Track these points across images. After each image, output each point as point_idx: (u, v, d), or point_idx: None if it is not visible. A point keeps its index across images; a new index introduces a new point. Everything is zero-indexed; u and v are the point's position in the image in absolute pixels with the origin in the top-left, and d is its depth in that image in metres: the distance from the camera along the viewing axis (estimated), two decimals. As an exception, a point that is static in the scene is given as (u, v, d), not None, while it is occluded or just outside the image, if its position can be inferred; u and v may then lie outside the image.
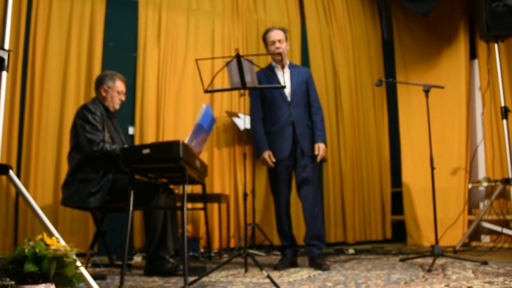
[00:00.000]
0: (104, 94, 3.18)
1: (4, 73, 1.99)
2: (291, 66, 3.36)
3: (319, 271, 2.90)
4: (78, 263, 1.51)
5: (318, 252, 3.13)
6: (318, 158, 3.21)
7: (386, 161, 5.15)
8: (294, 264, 3.21)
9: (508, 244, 4.06)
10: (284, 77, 3.27)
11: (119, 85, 3.21)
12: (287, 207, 3.23)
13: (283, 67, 3.30)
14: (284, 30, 3.32)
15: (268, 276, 2.32)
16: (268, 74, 3.18)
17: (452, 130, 4.72)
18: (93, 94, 3.30)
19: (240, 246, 4.06)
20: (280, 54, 3.19)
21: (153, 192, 2.94)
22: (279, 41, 3.25)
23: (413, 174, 4.87)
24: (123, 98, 3.25)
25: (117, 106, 3.24)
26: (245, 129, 3.03)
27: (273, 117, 3.22)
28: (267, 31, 3.32)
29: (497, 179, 4.28)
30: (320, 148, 3.21)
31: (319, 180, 4.41)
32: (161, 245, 2.89)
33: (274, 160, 3.17)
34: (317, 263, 3.05)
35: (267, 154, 3.16)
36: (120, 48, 4.26)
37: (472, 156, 4.70)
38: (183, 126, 4.25)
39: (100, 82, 3.20)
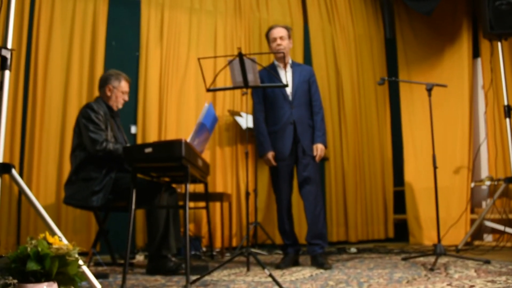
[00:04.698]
0: (108, 93, 3.18)
1: (7, 72, 1.99)
2: (294, 65, 3.35)
3: (321, 270, 2.90)
4: (80, 262, 1.51)
5: (320, 251, 3.13)
6: (317, 159, 3.20)
7: (389, 160, 5.14)
8: (296, 263, 3.21)
9: (510, 243, 4.05)
10: (286, 76, 3.26)
11: (124, 86, 3.21)
12: (288, 206, 3.23)
13: (285, 66, 3.29)
14: (287, 28, 3.31)
15: (270, 275, 2.32)
16: (270, 72, 3.18)
17: (455, 128, 4.70)
18: (96, 93, 3.31)
19: (242, 245, 4.07)
20: (282, 52, 3.18)
21: (155, 191, 2.94)
22: (281, 38, 3.24)
23: (416, 173, 4.86)
24: (126, 98, 3.26)
25: (120, 106, 3.25)
26: (247, 128, 3.03)
27: (274, 117, 3.22)
28: (269, 29, 3.32)
29: (500, 178, 4.27)
30: (318, 149, 3.20)
31: (321, 179, 4.40)
32: (164, 244, 2.89)
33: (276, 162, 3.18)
34: (319, 262, 3.05)
35: (271, 155, 3.18)
36: (123, 47, 4.26)
37: (474, 155, 4.69)
38: (185, 125, 4.25)
39: (105, 81, 3.20)
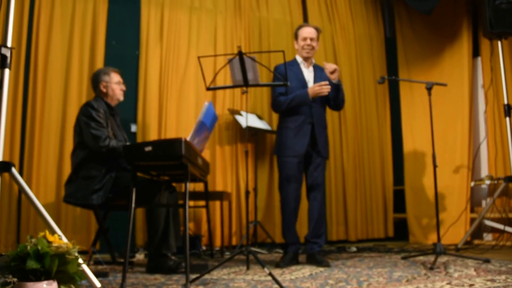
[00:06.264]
0: (104, 90, 3.19)
1: (7, 71, 1.99)
2: (315, 66, 3.40)
3: (321, 269, 2.90)
4: (80, 261, 1.51)
5: (318, 249, 3.19)
6: (336, 75, 3.16)
7: (388, 159, 5.14)
8: (296, 262, 3.21)
9: (510, 242, 4.05)
10: (307, 75, 3.33)
11: (115, 76, 3.23)
12: (296, 205, 3.23)
13: (308, 65, 3.36)
14: (318, 29, 3.38)
15: (270, 274, 2.32)
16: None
17: (455, 128, 4.70)
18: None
19: (242, 244, 4.07)
20: (283, 51, 3.18)
21: (155, 189, 2.94)
22: (311, 39, 3.31)
23: (416, 172, 4.87)
24: (123, 87, 3.27)
25: (121, 98, 3.25)
26: (247, 127, 3.03)
27: (293, 114, 3.24)
28: (301, 26, 3.37)
29: (499, 177, 4.27)
30: (337, 69, 3.16)
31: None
32: (163, 243, 2.89)
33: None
34: (318, 260, 3.08)
35: (310, 88, 3.14)
36: (123, 46, 4.25)
37: (474, 154, 4.69)
38: (185, 124, 4.25)
39: (96, 80, 3.22)
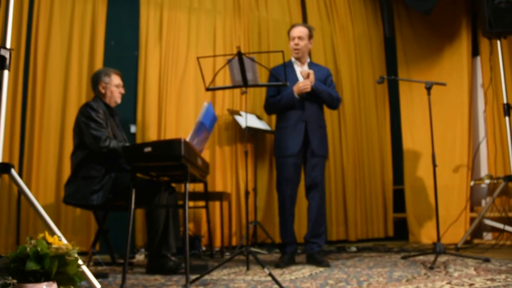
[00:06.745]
0: (103, 91, 3.19)
1: (6, 72, 1.99)
2: (311, 65, 3.39)
3: (321, 269, 2.90)
4: (80, 262, 1.51)
5: (318, 249, 3.19)
6: (310, 78, 3.19)
7: (388, 158, 5.14)
8: (293, 261, 3.21)
9: (510, 242, 4.05)
10: (301, 74, 3.32)
11: (115, 79, 3.23)
12: (292, 204, 3.24)
13: (302, 64, 3.36)
14: (309, 27, 3.37)
15: (270, 274, 2.32)
16: (286, 69, 3.18)
17: (454, 127, 4.71)
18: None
19: (242, 244, 4.06)
20: (282, 51, 3.19)
21: (155, 190, 2.94)
22: (299, 37, 3.31)
23: (415, 172, 4.87)
24: (122, 91, 3.27)
25: (118, 100, 3.25)
26: (247, 127, 3.03)
27: (286, 113, 3.24)
28: (291, 27, 3.39)
29: (499, 176, 4.27)
30: (310, 74, 3.19)
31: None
32: (163, 243, 2.89)
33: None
34: (317, 260, 3.08)
35: (295, 86, 3.16)
36: (122, 46, 4.25)
37: (474, 154, 4.69)
38: (184, 125, 4.25)
39: (96, 80, 3.21)
